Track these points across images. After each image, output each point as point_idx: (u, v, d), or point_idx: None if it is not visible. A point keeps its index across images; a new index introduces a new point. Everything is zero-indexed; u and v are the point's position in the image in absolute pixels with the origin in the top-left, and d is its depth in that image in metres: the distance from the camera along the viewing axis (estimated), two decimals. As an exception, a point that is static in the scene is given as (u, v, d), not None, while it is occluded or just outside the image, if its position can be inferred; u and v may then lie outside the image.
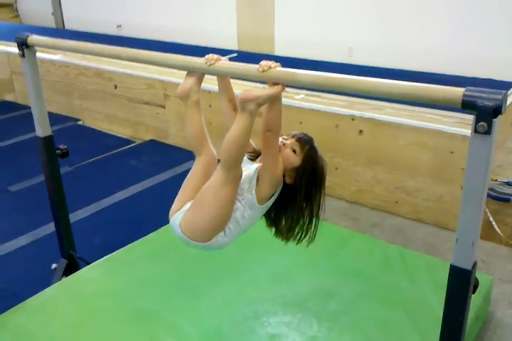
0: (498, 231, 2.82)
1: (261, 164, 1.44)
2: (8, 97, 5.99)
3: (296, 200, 1.44)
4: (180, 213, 1.47)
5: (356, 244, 2.57)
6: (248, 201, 1.42)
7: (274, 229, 1.52)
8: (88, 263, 2.43)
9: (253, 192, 1.42)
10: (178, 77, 4.24)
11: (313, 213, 1.47)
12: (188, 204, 1.47)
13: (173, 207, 1.53)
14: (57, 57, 5.14)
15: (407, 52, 4.73)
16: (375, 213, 3.30)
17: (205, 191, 1.41)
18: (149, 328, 1.99)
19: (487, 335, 2.23)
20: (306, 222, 1.47)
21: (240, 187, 1.41)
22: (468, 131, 3.06)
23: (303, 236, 1.49)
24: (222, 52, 1.52)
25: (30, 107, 2.20)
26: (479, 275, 1.30)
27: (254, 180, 1.43)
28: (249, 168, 1.45)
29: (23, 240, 3.04)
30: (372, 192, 3.32)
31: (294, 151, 1.44)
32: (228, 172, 1.36)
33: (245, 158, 1.50)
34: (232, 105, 1.54)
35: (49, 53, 5.11)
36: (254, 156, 1.52)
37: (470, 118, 1.10)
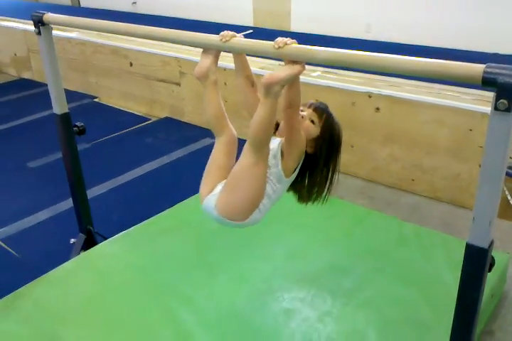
0: (516, 209, 2.80)
1: (283, 139, 1.45)
2: (26, 75, 6.02)
3: (318, 167, 1.48)
4: (212, 196, 1.48)
5: (372, 222, 2.57)
6: (276, 175, 1.45)
7: (297, 195, 1.56)
8: (105, 239, 2.47)
9: (279, 167, 1.44)
10: (193, 54, 4.22)
11: (332, 175, 1.51)
12: (219, 187, 1.48)
13: (202, 190, 1.53)
14: (73, 34, 5.13)
15: (426, 27, 4.64)
16: (391, 191, 3.29)
17: (237, 173, 1.42)
18: (166, 302, 2.02)
19: (501, 313, 2.23)
20: (327, 185, 1.52)
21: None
22: (487, 109, 3.01)
23: (323, 196, 1.55)
24: (238, 28, 1.51)
25: (47, 85, 2.21)
26: (495, 253, 1.30)
27: (279, 155, 1.45)
28: (272, 143, 1.46)
29: (42, 215, 3.09)
30: (389, 170, 3.30)
31: (313, 122, 1.46)
32: (257, 152, 1.37)
33: None
34: (249, 81, 1.53)
35: (65, 31, 5.11)
36: (275, 129, 1.52)
37: (489, 95, 1.08)
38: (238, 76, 1.54)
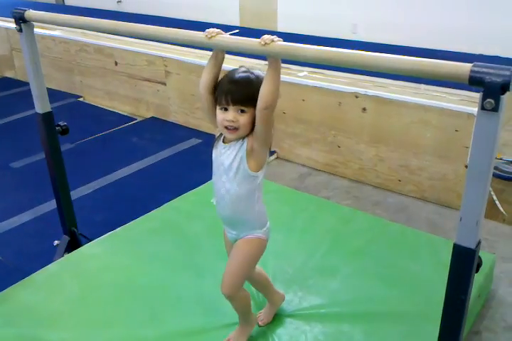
0: (502, 210, 2.82)
1: (247, 140, 1.48)
2: (8, 74, 5.94)
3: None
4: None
5: (358, 223, 2.56)
6: (261, 176, 1.55)
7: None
8: (90, 240, 2.44)
9: (260, 171, 1.53)
10: (178, 53, 4.19)
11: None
12: None
13: None
14: (56, 33, 5.07)
15: (412, 28, 4.65)
16: (377, 191, 3.29)
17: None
18: (152, 304, 2.00)
19: (489, 313, 2.23)
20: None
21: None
22: (473, 109, 3.04)
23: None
24: (224, 28, 1.50)
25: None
26: (482, 253, 1.29)
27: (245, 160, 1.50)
28: (232, 150, 1.51)
29: (25, 216, 3.04)
30: (375, 171, 3.30)
31: (243, 111, 1.45)
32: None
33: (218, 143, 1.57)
34: (213, 82, 1.51)
35: (48, 29, 5.05)
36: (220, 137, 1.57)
37: (475, 95, 1.08)
38: (207, 73, 1.52)
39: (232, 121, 1.44)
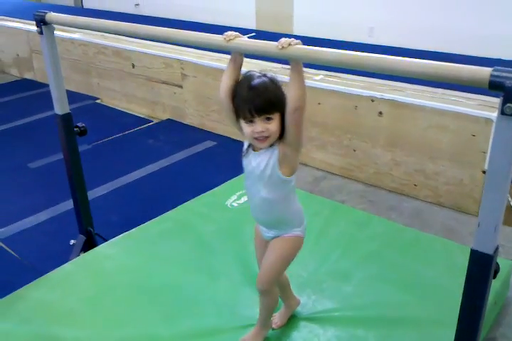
0: (518, 216, 2.79)
1: (278, 147, 1.48)
2: (28, 75, 6.02)
3: None
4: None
5: (373, 227, 2.55)
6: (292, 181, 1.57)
7: None
8: (106, 240, 2.45)
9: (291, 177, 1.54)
10: (195, 56, 4.21)
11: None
12: None
13: None
14: (76, 35, 5.13)
15: (430, 32, 4.63)
16: (393, 196, 3.28)
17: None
18: (166, 305, 2.01)
19: (505, 320, 2.21)
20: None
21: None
22: (490, 114, 3.01)
23: None
24: (241, 31, 1.49)
25: (49, 85, 2.21)
26: (498, 259, 1.28)
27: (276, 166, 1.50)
28: (263, 157, 1.51)
29: (42, 216, 3.08)
30: (391, 175, 3.29)
31: (269, 119, 1.43)
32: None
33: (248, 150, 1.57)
34: (233, 89, 1.49)
35: (68, 32, 5.11)
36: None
37: (493, 100, 1.07)
38: (227, 78, 1.50)
39: (262, 131, 1.43)
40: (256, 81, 1.45)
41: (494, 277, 1.26)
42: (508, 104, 1.04)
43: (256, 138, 1.45)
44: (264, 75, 1.47)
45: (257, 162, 1.52)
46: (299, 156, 1.55)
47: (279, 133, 1.46)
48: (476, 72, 1.08)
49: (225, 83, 1.50)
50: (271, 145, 1.48)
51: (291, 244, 1.65)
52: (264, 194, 1.55)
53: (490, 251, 1.20)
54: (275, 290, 1.73)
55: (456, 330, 1.33)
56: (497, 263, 1.26)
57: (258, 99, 1.41)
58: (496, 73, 1.05)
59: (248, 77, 1.48)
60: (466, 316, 1.30)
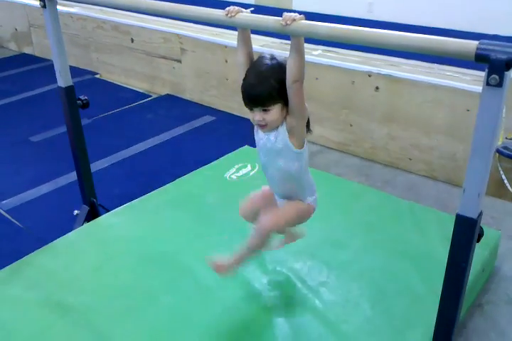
0: (510, 189, 2.86)
1: (284, 124, 1.53)
2: (27, 50, 6.01)
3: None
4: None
5: (368, 199, 2.62)
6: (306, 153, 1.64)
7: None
8: (108, 211, 2.53)
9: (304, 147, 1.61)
10: (194, 31, 4.22)
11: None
12: None
13: None
14: (74, 10, 5.11)
15: (428, 8, 4.63)
16: (388, 170, 3.34)
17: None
18: (167, 271, 2.09)
19: (491, 288, 2.30)
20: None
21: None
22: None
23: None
24: (239, 5, 1.51)
25: (48, 60, 2.25)
26: (488, 230, 1.35)
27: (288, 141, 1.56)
28: (272, 134, 1.55)
29: (45, 188, 3.15)
30: (387, 149, 3.35)
31: (266, 110, 1.49)
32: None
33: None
34: (249, 59, 1.55)
35: (66, 6, 5.09)
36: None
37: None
38: (239, 52, 1.55)
39: (260, 120, 1.51)
40: (262, 68, 1.49)
41: (478, 241, 1.34)
42: (493, 75, 1.10)
43: (257, 124, 1.54)
44: (275, 58, 1.50)
45: (267, 138, 1.58)
46: (305, 127, 1.59)
47: (281, 119, 1.52)
48: (462, 45, 1.13)
49: (240, 59, 1.56)
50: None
51: (305, 206, 1.73)
52: (278, 167, 1.62)
53: (474, 215, 1.27)
54: (269, 237, 1.72)
55: (442, 290, 1.41)
56: (481, 228, 1.34)
57: (255, 92, 1.47)
58: (482, 46, 1.10)
59: (257, 62, 1.52)
60: (452, 277, 1.38)
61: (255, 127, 1.61)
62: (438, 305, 1.47)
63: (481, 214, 1.30)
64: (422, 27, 4.33)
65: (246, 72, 1.52)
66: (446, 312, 1.45)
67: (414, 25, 4.42)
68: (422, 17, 4.57)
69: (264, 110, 1.49)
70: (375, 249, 2.23)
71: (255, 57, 1.57)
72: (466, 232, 1.30)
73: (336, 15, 4.81)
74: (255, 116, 1.51)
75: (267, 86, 1.46)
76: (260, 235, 1.69)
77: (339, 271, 2.09)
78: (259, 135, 1.61)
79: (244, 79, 1.52)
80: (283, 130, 1.54)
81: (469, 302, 2.11)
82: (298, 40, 1.38)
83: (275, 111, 1.49)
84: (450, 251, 1.35)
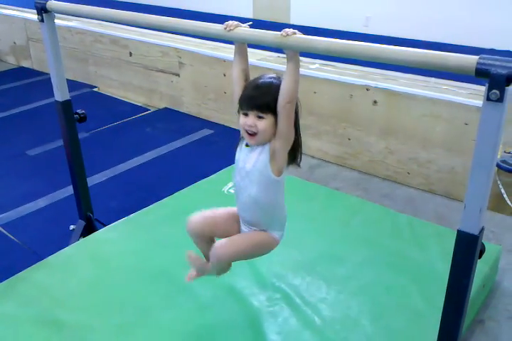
0: (510, 203, 2.85)
1: (271, 143, 1.50)
2: (25, 63, 6.02)
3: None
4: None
5: (367, 213, 2.60)
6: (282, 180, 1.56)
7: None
8: (105, 225, 2.50)
9: (272, 173, 1.53)
10: (192, 45, 4.24)
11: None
12: None
13: None
14: (73, 23, 5.14)
15: (425, 22, 4.67)
16: (386, 184, 3.33)
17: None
18: (164, 287, 2.06)
19: (492, 303, 2.27)
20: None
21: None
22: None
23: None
24: (238, 20, 1.52)
25: (46, 73, 2.25)
26: (488, 244, 1.33)
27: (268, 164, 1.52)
28: (254, 153, 1.53)
29: (41, 202, 3.13)
30: (385, 163, 3.34)
31: (260, 117, 1.47)
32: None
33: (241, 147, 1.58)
34: (244, 76, 1.56)
35: (65, 20, 5.11)
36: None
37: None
38: (235, 67, 1.56)
39: (251, 126, 1.48)
40: (265, 80, 1.50)
41: (480, 257, 1.32)
42: (494, 90, 1.09)
43: (246, 132, 1.50)
44: (279, 78, 1.49)
45: (248, 157, 1.55)
46: (286, 155, 1.54)
47: (269, 135, 1.49)
48: (463, 60, 1.12)
49: (235, 73, 1.56)
50: (263, 144, 1.52)
51: (270, 240, 1.65)
52: (253, 193, 1.56)
53: (475, 231, 1.26)
54: (226, 266, 1.72)
55: (443, 307, 1.39)
56: (483, 244, 1.32)
57: (257, 96, 1.47)
58: (482, 61, 1.10)
59: (260, 76, 1.53)
60: (453, 293, 1.36)
61: (239, 145, 1.59)
62: (439, 322, 1.44)
63: (482, 229, 1.28)
64: (417, 41, 4.37)
65: (248, 84, 1.53)
66: (448, 330, 1.42)
67: (410, 39, 4.46)
68: (418, 31, 4.60)
69: (259, 117, 1.47)
70: (374, 263, 2.21)
71: (251, 73, 1.57)
72: (467, 249, 1.28)
73: (332, 29, 4.84)
74: (248, 120, 1.48)
75: (268, 93, 1.46)
76: (215, 262, 1.66)
77: (338, 287, 2.06)
78: (242, 153, 1.57)
79: (247, 86, 1.52)
80: (266, 150, 1.51)
81: (470, 318, 2.09)
82: (294, 55, 1.39)
83: (268, 121, 1.47)
84: (451, 267, 1.33)
